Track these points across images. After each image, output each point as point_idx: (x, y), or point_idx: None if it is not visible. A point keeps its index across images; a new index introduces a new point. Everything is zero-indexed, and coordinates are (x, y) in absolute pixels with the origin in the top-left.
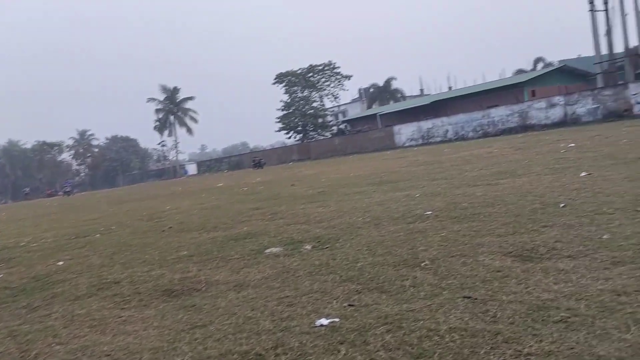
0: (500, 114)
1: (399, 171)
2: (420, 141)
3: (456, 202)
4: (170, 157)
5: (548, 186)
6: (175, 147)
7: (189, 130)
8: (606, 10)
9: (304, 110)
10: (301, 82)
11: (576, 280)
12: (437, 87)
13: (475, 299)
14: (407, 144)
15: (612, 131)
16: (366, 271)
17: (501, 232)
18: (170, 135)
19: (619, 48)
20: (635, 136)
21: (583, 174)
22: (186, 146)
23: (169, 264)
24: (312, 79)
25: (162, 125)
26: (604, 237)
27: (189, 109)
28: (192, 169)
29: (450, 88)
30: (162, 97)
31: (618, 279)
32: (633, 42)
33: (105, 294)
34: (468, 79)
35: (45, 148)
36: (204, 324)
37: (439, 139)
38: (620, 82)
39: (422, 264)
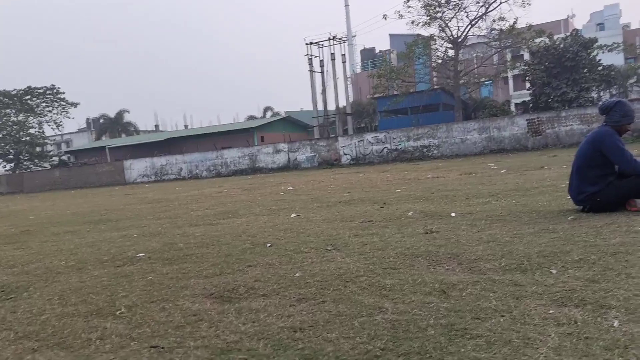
0: (232, 155)
1: (123, 209)
2: (153, 178)
3: (173, 242)
4: None
5: (262, 226)
6: None
7: None
8: (322, 72)
9: (18, 136)
10: (16, 105)
11: (263, 319)
12: (174, 125)
13: (163, 347)
14: (138, 180)
15: (324, 177)
16: (50, 324)
17: (209, 273)
18: None
19: (332, 106)
20: (339, 182)
21: (293, 215)
22: None
23: None
24: (30, 102)
25: None
26: (296, 275)
27: None
28: None
29: (186, 126)
30: None
31: (298, 315)
32: (342, 102)
33: None
34: (204, 119)
35: None
36: None
37: (172, 176)
38: (332, 135)
39: (118, 312)
